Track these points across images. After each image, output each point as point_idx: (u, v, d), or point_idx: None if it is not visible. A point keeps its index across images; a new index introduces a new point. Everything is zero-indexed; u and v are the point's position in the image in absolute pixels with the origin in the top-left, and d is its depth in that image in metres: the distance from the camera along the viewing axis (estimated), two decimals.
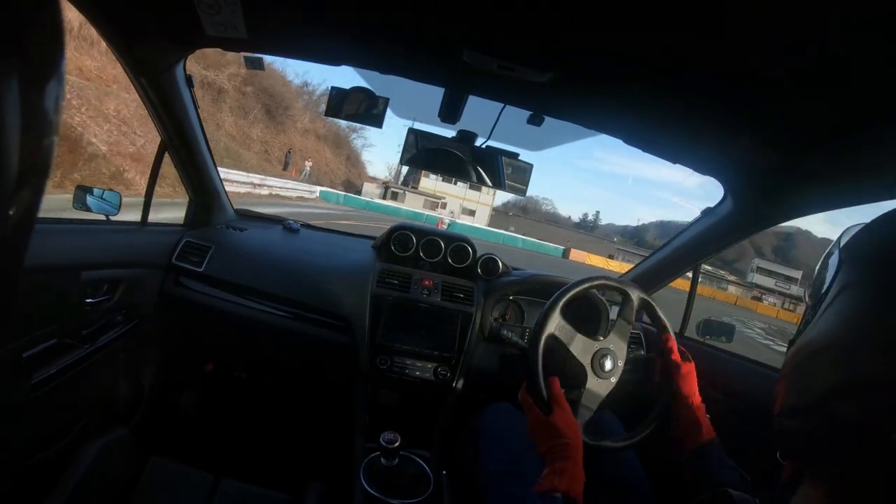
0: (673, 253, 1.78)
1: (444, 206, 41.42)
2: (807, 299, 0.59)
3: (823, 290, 0.52)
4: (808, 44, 0.67)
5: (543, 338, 1.09)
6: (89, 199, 1.46)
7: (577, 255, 41.83)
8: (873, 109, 0.78)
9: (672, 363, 1.16)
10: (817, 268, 0.58)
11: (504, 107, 1.27)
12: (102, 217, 1.45)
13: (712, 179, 1.41)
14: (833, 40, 0.65)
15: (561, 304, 1.12)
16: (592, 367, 1.15)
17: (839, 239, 0.56)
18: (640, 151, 1.35)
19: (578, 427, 1.00)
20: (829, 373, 0.45)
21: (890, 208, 0.51)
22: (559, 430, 0.97)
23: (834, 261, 0.53)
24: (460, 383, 1.61)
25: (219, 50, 1.30)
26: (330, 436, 1.85)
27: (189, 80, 1.42)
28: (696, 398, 1.12)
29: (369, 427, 1.57)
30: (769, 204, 1.34)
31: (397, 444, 1.23)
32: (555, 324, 1.12)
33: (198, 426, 1.91)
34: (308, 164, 28.64)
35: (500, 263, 1.82)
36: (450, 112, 1.27)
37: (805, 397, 0.48)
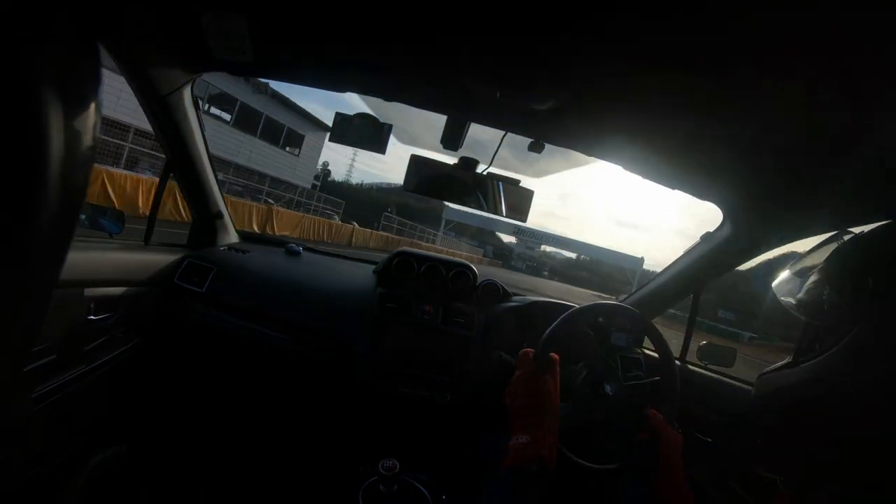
0: (673, 278, 1.78)
1: None
2: (807, 315, 0.57)
3: (849, 319, 0.50)
4: (804, 69, 0.68)
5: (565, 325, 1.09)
6: (93, 217, 1.47)
7: None
8: (871, 131, 0.79)
9: (659, 432, 1.05)
10: (825, 286, 0.55)
11: (505, 134, 1.29)
12: (106, 235, 1.47)
13: None
14: (828, 63, 0.66)
15: (578, 320, 1.11)
16: (593, 390, 1.14)
17: (856, 262, 0.53)
18: None
19: (558, 404, 0.95)
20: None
21: None
22: (545, 391, 0.92)
23: (854, 286, 0.51)
24: (460, 408, 1.60)
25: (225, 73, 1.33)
26: (329, 458, 1.83)
27: (196, 103, 1.45)
28: (676, 474, 0.97)
29: (369, 450, 1.56)
30: (768, 227, 1.35)
31: (396, 470, 1.21)
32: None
33: (196, 446, 1.89)
34: None
35: (501, 288, 1.83)
36: (451, 139, 1.29)
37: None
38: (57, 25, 0.23)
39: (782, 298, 0.61)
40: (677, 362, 1.71)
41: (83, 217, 1.44)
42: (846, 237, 0.58)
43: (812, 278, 0.57)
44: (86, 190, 0.27)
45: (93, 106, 0.26)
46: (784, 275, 0.63)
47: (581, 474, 1.10)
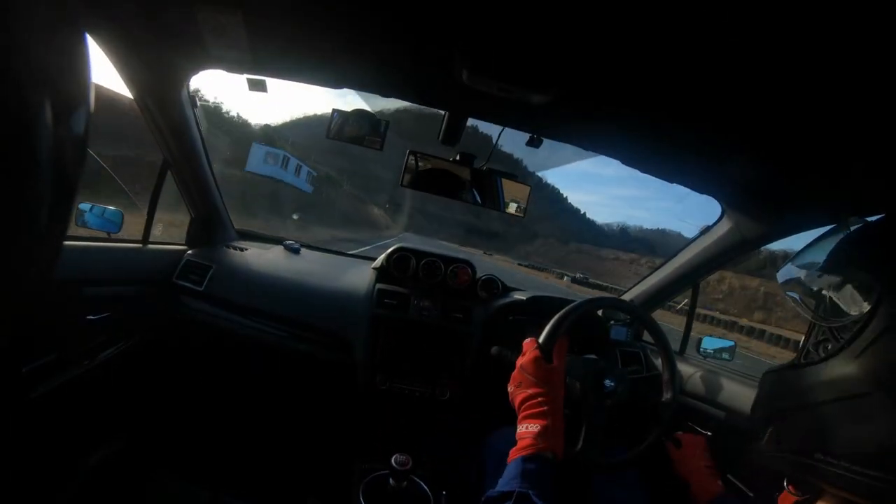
0: (672, 272, 1.78)
1: None
2: (813, 313, 0.54)
3: (857, 319, 0.47)
4: (802, 64, 0.68)
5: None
6: (91, 216, 1.46)
7: None
8: (868, 125, 0.78)
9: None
10: (831, 282, 0.52)
11: (503, 129, 1.28)
12: (104, 234, 1.46)
13: None
14: (825, 61, 0.65)
15: (569, 321, 1.10)
16: (594, 386, 1.14)
17: (863, 256, 0.51)
18: None
19: (563, 393, 0.95)
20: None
21: None
22: (552, 379, 0.92)
23: (863, 283, 0.48)
24: (459, 403, 1.61)
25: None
26: (328, 454, 1.83)
27: (193, 100, 1.44)
28: (699, 471, 1.14)
29: (368, 446, 1.56)
30: (767, 221, 1.35)
31: (409, 466, 1.20)
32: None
33: (197, 442, 1.90)
34: None
35: (500, 284, 1.83)
36: (450, 134, 1.28)
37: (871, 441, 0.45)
38: (47, 20, 0.23)
39: (788, 294, 0.58)
40: (676, 356, 1.72)
41: (83, 215, 1.44)
42: (853, 227, 0.54)
43: (819, 273, 0.54)
44: (78, 184, 0.27)
45: (83, 101, 0.26)
46: (789, 268, 0.60)
47: (583, 470, 1.10)
